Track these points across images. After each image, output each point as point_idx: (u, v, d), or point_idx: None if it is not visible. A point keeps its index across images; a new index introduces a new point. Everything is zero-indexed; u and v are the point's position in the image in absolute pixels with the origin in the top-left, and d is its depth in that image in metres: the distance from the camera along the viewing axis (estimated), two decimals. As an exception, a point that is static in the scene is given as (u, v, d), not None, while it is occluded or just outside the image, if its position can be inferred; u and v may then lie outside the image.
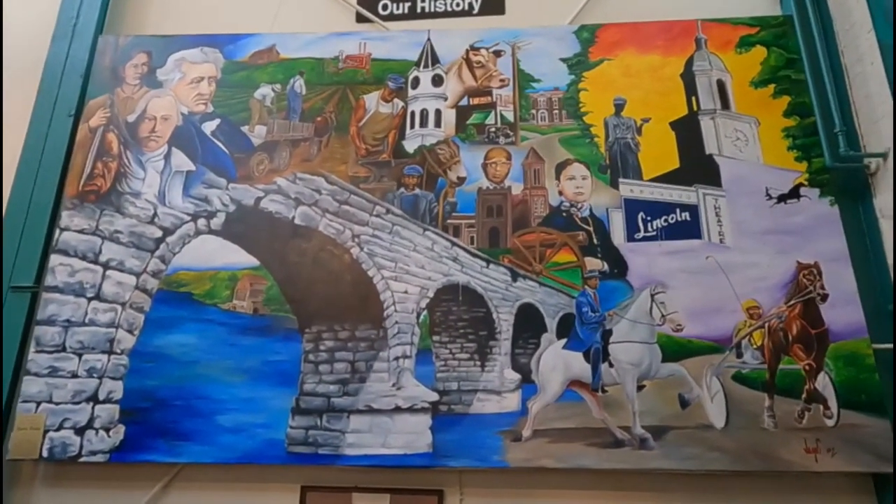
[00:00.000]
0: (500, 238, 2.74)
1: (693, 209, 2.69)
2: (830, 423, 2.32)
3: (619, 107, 2.90)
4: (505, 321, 2.62)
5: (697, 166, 2.76)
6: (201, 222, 2.80)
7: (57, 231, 2.77)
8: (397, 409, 2.49)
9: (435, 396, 2.50)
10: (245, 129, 3.00)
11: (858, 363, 2.38)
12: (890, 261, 2.48)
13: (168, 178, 2.89)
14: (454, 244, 2.73)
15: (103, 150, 2.94)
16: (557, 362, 2.53)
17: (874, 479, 2.32)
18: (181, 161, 2.92)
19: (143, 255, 2.73)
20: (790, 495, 2.34)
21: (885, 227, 2.51)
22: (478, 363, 2.57)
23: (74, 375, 2.56)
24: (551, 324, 2.59)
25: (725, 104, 2.86)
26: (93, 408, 2.52)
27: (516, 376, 2.53)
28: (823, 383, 2.38)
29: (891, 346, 2.38)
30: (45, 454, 2.46)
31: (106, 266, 2.70)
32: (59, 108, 3.04)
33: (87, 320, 2.63)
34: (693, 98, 2.89)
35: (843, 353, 2.40)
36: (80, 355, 2.59)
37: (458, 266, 2.69)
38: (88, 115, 3.02)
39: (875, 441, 2.26)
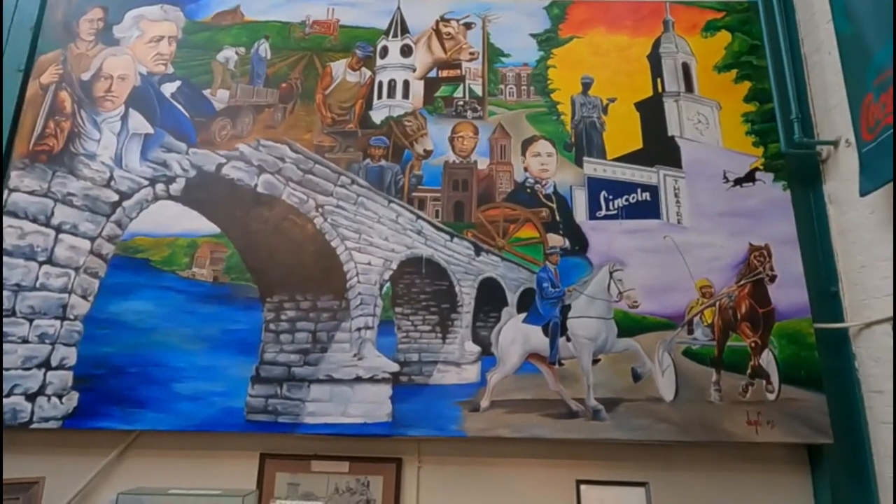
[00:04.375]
0: (465, 212, 2.75)
1: (653, 190, 2.75)
2: (772, 397, 2.44)
3: (586, 85, 2.92)
4: (467, 294, 2.65)
5: (659, 147, 2.82)
6: (160, 187, 2.73)
7: (5, 192, 2.66)
8: (358, 379, 2.51)
9: (396, 367, 2.53)
10: (207, 92, 2.92)
11: (800, 341, 2.50)
12: (836, 245, 2.59)
13: (125, 140, 2.79)
14: (419, 217, 2.73)
15: (55, 109, 2.83)
16: (517, 335, 2.58)
17: (809, 449, 2.47)
18: (139, 123, 2.82)
19: (99, 220, 2.66)
20: (731, 464, 2.46)
21: (833, 212, 2.62)
22: (439, 335, 2.60)
23: (25, 341, 2.49)
24: (512, 298, 2.64)
25: (689, 87, 2.91)
26: (45, 374, 2.47)
27: (476, 349, 2.57)
28: (767, 360, 2.50)
29: (831, 325, 2.50)
30: (-6, 420, 2.41)
31: (58, 229, 2.62)
32: (7, 63, 2.89)
33: (38, 285, 2.55)
34: (658, 79, 2.93)
35: (786, 332, 2.52)
36: (30, 320, 2.52)
37: (422, 239, 2.70)
38: (39, 71, 2.89)
39: (811, 415, 2.39)
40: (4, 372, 2.45)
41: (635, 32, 2.99)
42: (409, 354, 2.56)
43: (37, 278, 2.56)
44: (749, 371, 2.49)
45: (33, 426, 2.42)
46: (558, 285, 2.64)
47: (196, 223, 2.71)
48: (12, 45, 2.93)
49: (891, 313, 2.20)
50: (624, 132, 2.85)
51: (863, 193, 2.23)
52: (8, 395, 2.43)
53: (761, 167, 2.75)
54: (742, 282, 2.60)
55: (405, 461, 2.50)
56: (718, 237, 2.66)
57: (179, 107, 2.88)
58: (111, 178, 2.72)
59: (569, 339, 2.57)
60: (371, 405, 2.47)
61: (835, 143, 2.61)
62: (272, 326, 2.59)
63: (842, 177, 2.55)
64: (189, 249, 2.67)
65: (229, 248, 2.68)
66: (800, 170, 2.73)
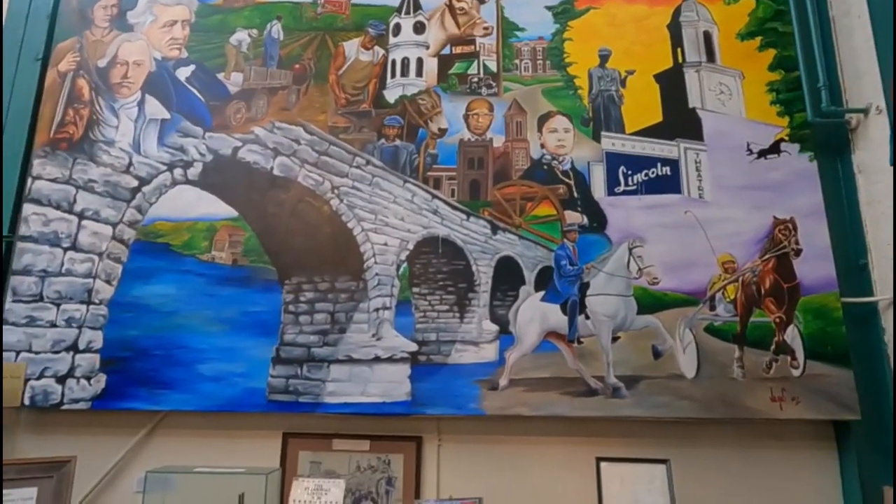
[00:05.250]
0: (481, 191, 2.73)
1: (674, 164, 2.69)
2: (797, 373, 2.39)
3: (603, 58, 2.84)
4: (484, 273, 2.64)
5: (680, 120, 2.74)
6: (178, 172, 2.75)
7: (29, 180, 2.71)
8: (377, 359, 2.53)
9: (414, 347, 2.54)
10: (221, 75, 2.92)
11: (826, 316, 2.43)
12: (865, 216, 2.51)
13: (142, 126, 2.82)
14: (434, 196, 2.71)
15: (74, 97, 2.86)
16: (535, 314, 2.57)
17: (835, 426, 2.42)
18: (155, 108, 2.84)
19: (119, 205, 2.69)
20: (754, 441, 2.43)
21: (862, 182, 2.53)
22: (456, 314, 2.59)
23: (53, 325, 2.56)
24: (530, 276, 2.62)
25: (711, 56, 2.82)
26: (73, 357, 2.54)
27: (494, 327, 2.56)
28: (792, 335, 2.44)
29: (859, 300, 2.43)
30: (26, 402, 2.48)
31: (81, 216, 2.67)
32: (25, 52, 2.93)
33: (63, 270, 2.61)
34: (679, 49, 2.84)
35: (812, 307, 2.46)
36: (58, 305, 2.58)
37: (438, 218, 2.69)
38: (57, 60, 2.92)
39: (837, 390, 2.34)
40: (35, 356, 2.52)
41: (654, 1, 2.89)
42: (427, 334, 2.57)
43: (62, 264, 2.62)
44: (773, 347, 2.44)
45: (64, 407, 2.49)
46: (576, 263, 2.61)
47: (214, 207, 2.73)
48: (30, 34, 2.96)
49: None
50: (643, 105, 2.77)
51: (893, 162, 2.15)
52: (39, 378, 2.51)
53: (786, 138, 2.65)
54: (766, 256, 2.54)
55: (425, 439, 2.52)
56: (741, 211, 2.59)
57: (194, 91, 2.89)
58: (130, 163, 2.75)
59: (588, 317, 2.55)
60: (390, 384, 2.49)
61: (865, 111, 2.51)
62: (291, 308, 2.61)
63: (872, 145, 2.46)
64: (208, 233, 2.70)
65: (247, 230, 2.70)
66: (827, 139, 2.63)
